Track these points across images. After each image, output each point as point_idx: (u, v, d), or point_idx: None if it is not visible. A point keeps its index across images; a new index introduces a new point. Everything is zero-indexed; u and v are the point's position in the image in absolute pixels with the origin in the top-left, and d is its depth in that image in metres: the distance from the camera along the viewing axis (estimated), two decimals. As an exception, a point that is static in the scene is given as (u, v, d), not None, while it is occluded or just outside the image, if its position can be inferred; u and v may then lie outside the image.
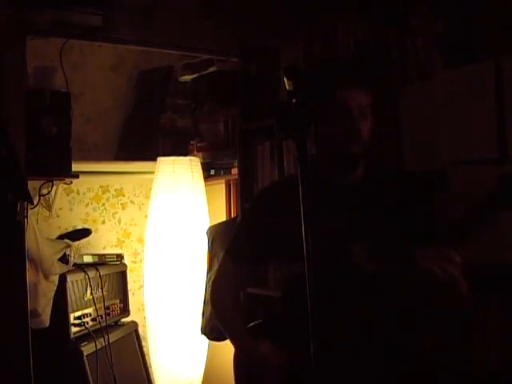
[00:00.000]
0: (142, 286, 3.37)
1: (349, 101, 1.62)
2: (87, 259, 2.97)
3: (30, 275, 2.35)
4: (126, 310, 3.15)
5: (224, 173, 3.21)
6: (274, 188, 1.96)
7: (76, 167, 2.70)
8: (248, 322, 1.87)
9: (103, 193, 3.48)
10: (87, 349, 2.68)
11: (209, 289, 1.91)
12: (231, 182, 3.23)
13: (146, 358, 3.16)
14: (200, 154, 3.31)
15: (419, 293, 1.63)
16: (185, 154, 3.21)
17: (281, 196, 1.76)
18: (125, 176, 3.43)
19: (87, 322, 2.75)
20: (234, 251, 1.86)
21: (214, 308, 1.91)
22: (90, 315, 2.81)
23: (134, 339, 3.14)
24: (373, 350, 1.62)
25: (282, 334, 1.72)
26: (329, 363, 1.33)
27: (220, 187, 3.31)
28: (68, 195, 3.33)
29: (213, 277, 1.95)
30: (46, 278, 2.53)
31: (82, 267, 2.84)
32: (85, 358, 2.64)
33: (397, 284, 1.60)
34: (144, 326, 3.23)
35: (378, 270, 1.60)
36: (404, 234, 1.61)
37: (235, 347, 1.84)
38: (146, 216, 3.20)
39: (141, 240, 3.49)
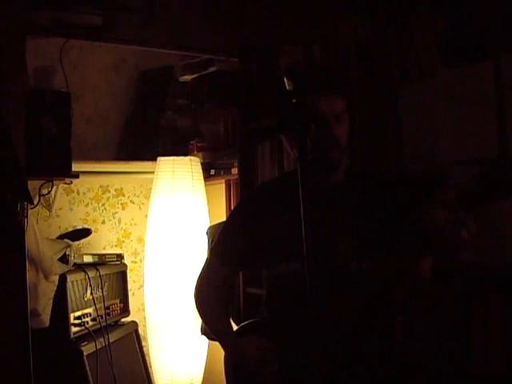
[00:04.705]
0: (141, 286, 3.37)
1: (323, 109, 1.61)
2: (87, 259, 2.97)
3: (30, 275, 2.35)
4: (125, 310, 3.15)
5: (224, 173, 3.21)
6: (262, 189, 1.97)
7: (76, 167, 2.70)
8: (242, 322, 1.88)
9: (103, 193, 3.48)
10: (87, 349, 2.67)
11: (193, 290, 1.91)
12: (231, 182, 3.23)
13: (146, 358, 3.16)
14: (200, 154, 3.31)
15: (405, 290, 1.66)
16: (185, 154, 3.21)
17: (269, 198, 1.77)
18: (125, 176, 3.43)
19: (87, 322, 2.75)
20: (219, 252, 1.87)
21: (198, 308, 1.91)
22: (90, 315, 2.80)
23: (134, 339, 3.13)
24: (360, 347, 1.63)
25: (269, 333, 1.73)
26: (315, 360, 1.34)
27: (220, 187, 3.31)
28: (68, 195, 3.33)
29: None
30: (46, 278, 2.53)
31: (82, 267, 2.84)
32: (85, 358, 2.63)
33: (382, 282, 1.63)
34: (144, 325, 3.23)
35: (363, 269, 1.62)
36: (386, 233, 1.62)
37: (222, 346, 1.85)
38: (146, 216, 3.20)
39: (141, 240, 3.49)
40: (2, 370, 2.22)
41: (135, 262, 3.54)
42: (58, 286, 2.60)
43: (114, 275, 3.07)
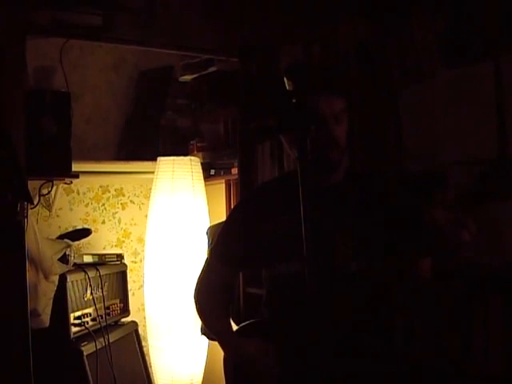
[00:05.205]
0: (141, 286, 3.37)
1: (323, 109, 1.61)
2: (87, 259, 2.97)
3: (30, 275, 2.35)
4: (125, 310, 3.15)
5: (224, 173, 3.21)
6: (262, 189, 1.97)
7: (76, 167, 2.70)
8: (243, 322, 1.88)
9: (103, 193, 3.48)
10: (87, 349, 2.67)
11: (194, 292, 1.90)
12: (231, 182, 3.23)
13: (146, 358, 3.16)
14: (200, 154, 3.31)
15: (405, 290, 1.66)
16: (185, 154, 3.21)
17: (269, 198, 1.77)
18: (125, 176, 3.43)
19: (87, 322, 2.75)
20: (219, 252, 1.86)
21: (197, 309, 1.90)
22: (90, 315, 2.80)
23: (134, 339, 3.13)
24: (359, 347, 1.63)
25: (269, 333, 1.73)
26: (315, 360, 1.34)
27: (220, 187, 3.31)
28: (68, 195, 3.33)
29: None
30: (46, 278, 2.53)
31: (82, 267, 2.83)
32: (85, 357, 2.63)
33: (382, 282, 1.63)
34: (144, 325, 3.23)
35: (363, 269, 1.62)
36: (386, 233, 1.62)
37: (221, 347, 1.85)
38: (146, 216, 3.20)
39: (141, 240, 3.49)
40: (2, 369, 2.22)
41: (135, 262, 3.54)
42: (58, 286, 2.60)
43: (114, 275, 3.07)
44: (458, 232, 1.44)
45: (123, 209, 3.54)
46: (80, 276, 2.79)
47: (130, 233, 3.56)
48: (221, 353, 1.87)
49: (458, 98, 1.92)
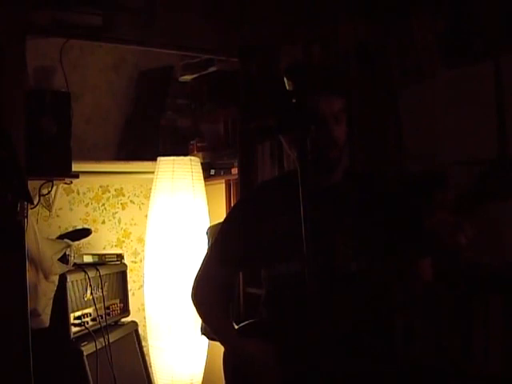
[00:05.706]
0: (141, 286, 3.37)
1: (323, 109, 1.62)
2: (87, 259, 2.97)
3: (30, 275, 2.35)
4: (125, 310, 3.15)
5: (224, 173, 3.21)
6: (261, 189, 1.97)
7: (76, 167, 2.70)
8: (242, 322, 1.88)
9: (103, 193, 3.48)
10: (87, 349, 2.67)
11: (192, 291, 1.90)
12: (231, 182, 3.23)
13: (146, 358, 3.16)
14: (200, 154, 3.31)
15: (405, 290, 1.67)
16: (185, 154, 3.21)
17: (268, 197, 1.77)
18: (125, 176, 3.43)
19: (87, 322, 2.75)
20: (218, 251, 1.86)
21: (197, 308, 1.89)
22: (90, 315, 2.80)
23: (134, 339, 3.13)
24: (359, 347, 1.63)
25: (269, 333, 1.73)
26: (315, 360, 1.34)
27: (220, 187, 3.31)
28: (68, 195, 3.33)
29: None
30: (46, 278, 2.53)
31: (82, 267, 2.84)
32: (85, 357, 2.63)
33: (382, 282, 1.63)
34: (144, 325, 3.23)
35: (363, 269, 1.62)
36: (386, 233, 1.62)
37: (223, 347, 1.85)
38: (146, 216, 3.20)
39: (141, 240, 3.49)
40: (2, 369, 2.22)
41: (135, 262, 3.54)
42: (58, 286, 2.60)
43: (114, 275, 3.07)
44: (455, 235, 1.44)
45: (123, 209, 3.54)
46: (80, 276, 2.79)
47: (130, 233, 3.56)
48: (221, 353, 1.87)
49: (458, 98, 1.92)
